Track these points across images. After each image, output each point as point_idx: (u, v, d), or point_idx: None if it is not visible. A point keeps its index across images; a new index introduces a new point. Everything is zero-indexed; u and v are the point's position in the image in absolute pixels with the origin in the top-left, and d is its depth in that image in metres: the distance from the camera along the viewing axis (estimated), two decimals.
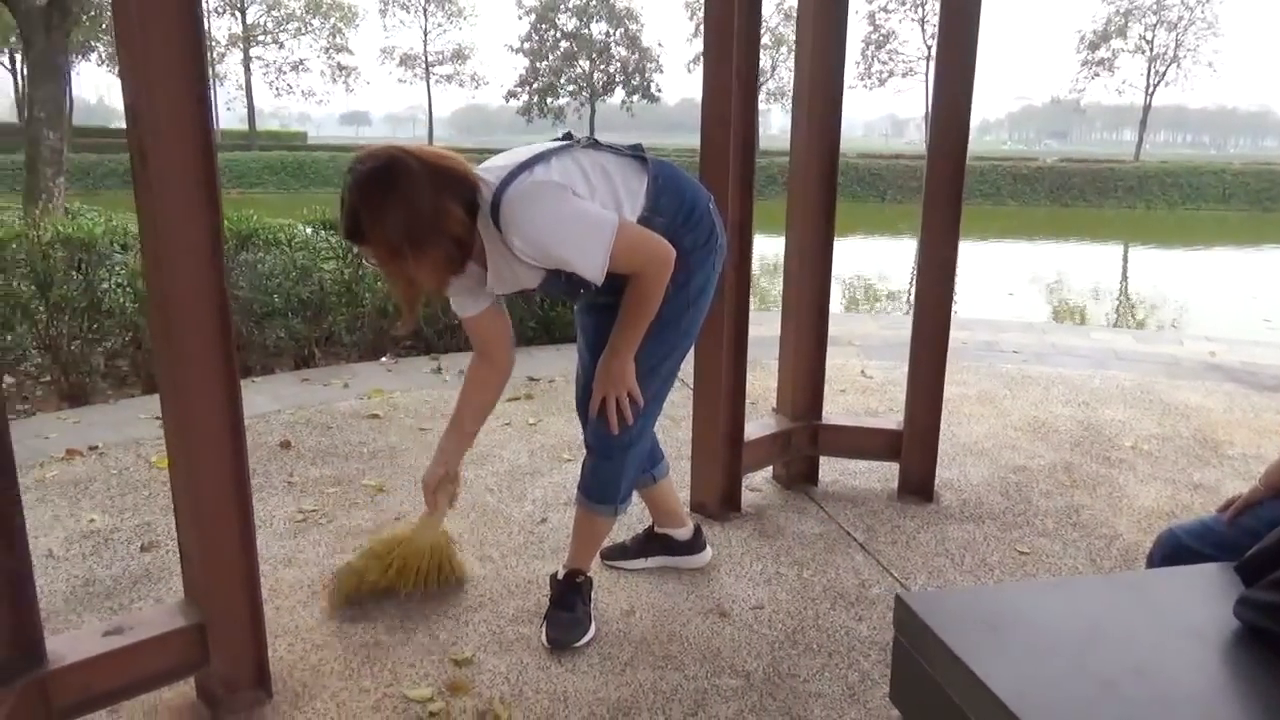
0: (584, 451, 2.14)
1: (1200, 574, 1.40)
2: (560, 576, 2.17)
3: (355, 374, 4.35)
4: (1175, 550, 1.56)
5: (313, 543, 2.58)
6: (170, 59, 1.54)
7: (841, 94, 2.80)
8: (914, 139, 47.53)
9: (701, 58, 2.57)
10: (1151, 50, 40.26)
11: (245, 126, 43.48)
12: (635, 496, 2.26)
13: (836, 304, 10.64)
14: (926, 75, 43.20)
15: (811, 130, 2.80)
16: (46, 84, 8.39)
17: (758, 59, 2.57)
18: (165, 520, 2.66)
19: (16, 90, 35.17)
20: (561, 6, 45.44)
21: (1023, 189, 30.94)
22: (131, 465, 3.14)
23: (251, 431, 3.42)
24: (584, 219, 1.78)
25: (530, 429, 3.55)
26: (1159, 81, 40.44)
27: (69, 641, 1.69)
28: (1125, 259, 18.21)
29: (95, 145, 26.93)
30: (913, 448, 2.88)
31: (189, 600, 1.79)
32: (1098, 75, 42.16)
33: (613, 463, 2.07)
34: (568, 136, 1.94)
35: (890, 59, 44.15)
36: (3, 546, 1.55)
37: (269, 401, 3.85)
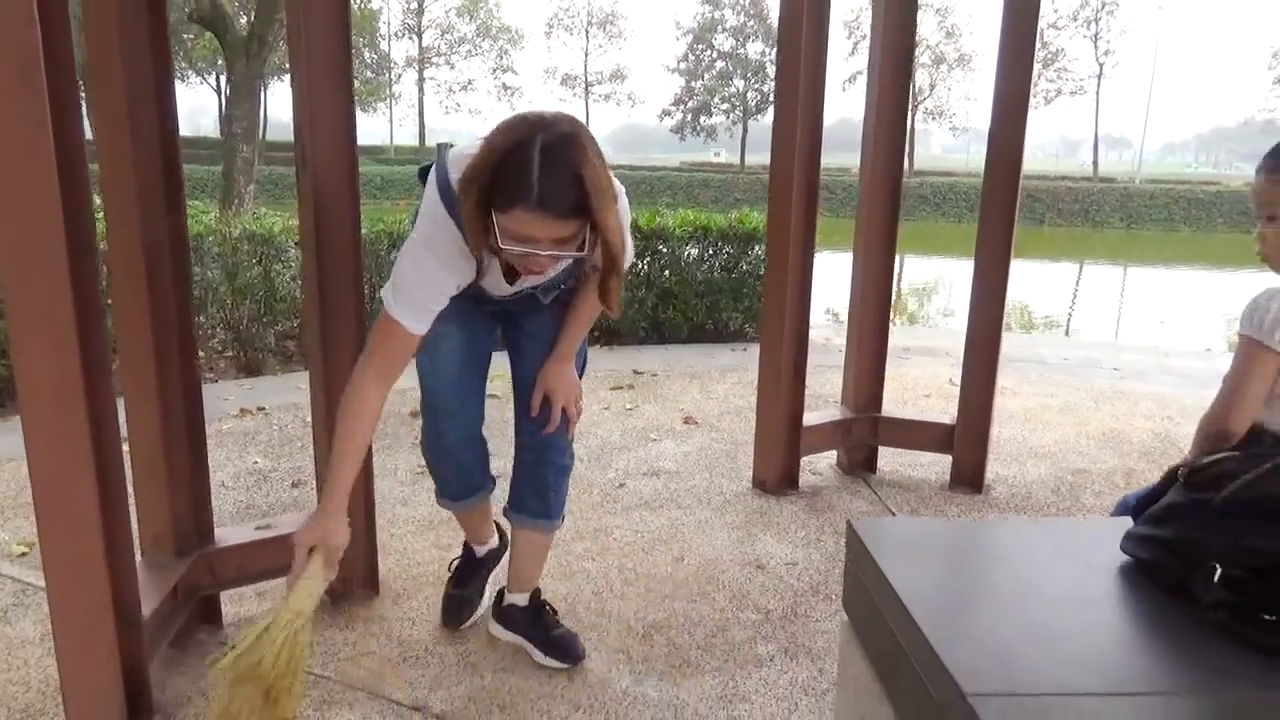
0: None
1: (1116, 523, 1.64)
2: (526, 604, 2.10)
3: None
4: (1122, 511, 1.79)
5: (426, 490, 3.05)
6: (328, 90, 2.03)
7: (904, 129, 3.09)
8: (1086, 160, 45.94)
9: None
10: None
11: (416, 143, 46.29)
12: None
13: (956, 322, 10.63)
14: (1097, 94, 41.35)
15: (877, 155, 3.10)
16: (243, 103, 9.54)
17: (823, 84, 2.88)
18: (313, 465, 3.21)
19: (220, 108, 38.90)
20: (719, 28, 46.12)
21: (1198, 214, 29.16)
22: (290, 423, 3.75)
23: (389, 403, 3.97)
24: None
25: (626, 413, 3.95)
26: None
27: (230, 531, 2.22)
28: None
29: (285, 159, 29.27)
30: (964, 441, 3.11)
31: None
32: None
33: (569, 471, 2.06)
34: None
35: (1059, 77, 42.47)
36: (192, 456, 2.10)
37: (407, 380, 4.38)
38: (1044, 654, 1.24)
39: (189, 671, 2.00)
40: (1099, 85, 41.37)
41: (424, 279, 1.68)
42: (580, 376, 2.03)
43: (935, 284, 15.44)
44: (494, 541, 2.32)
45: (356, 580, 2.32)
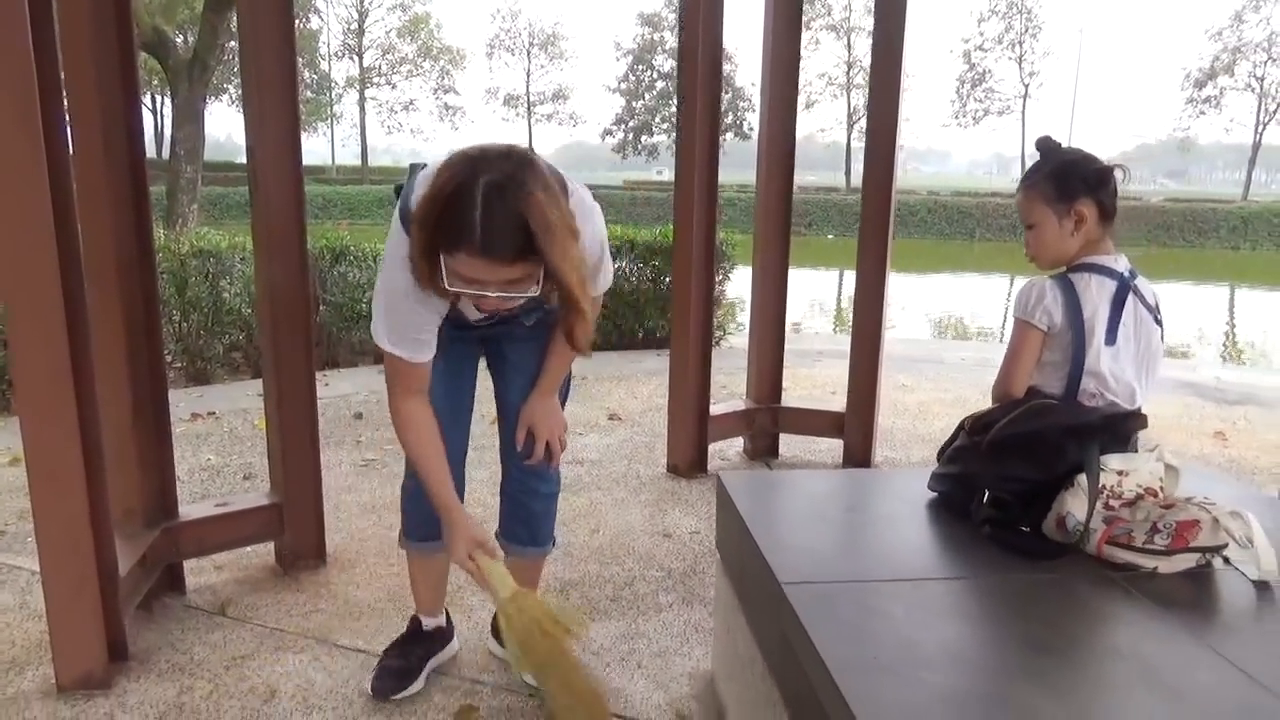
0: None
1: (930, 470, 2.01)
2: None
3: None
4: None
5: (368, 479, 3.36)
6: (277, 117, 2.35)
7: (794, 143, 3.48)
8: (1017, 176, 47.89)
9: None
10: (1262, 88, 39.07)
11: (359, 162, 46.15)
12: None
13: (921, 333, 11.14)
14: (1023, 114, 42.92)
15: (770, 171, 3.49)
16: (187, 125, 9.71)
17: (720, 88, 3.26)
18: (261, 461, 3.48)
19: (155, 129, 38.42)
20: (659, 49, 46.90)
21: (1119, 229, 30.38)
22: (239, 426, 4.01)
23: (334, 406, 4.26)
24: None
25: None
26: (1269, 120, 39.15)
27: (193, 508, 2.50)
28: (1232, 300, 17.77)
29: (222, 179, 28.89)
30: (853, 426, 3.50)
31: (273, 488, 2.58)
32: (1204, 113, 41.12)
33: (555, 498, 2.07)
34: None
35: (987, 97, 44.08)
36: (156, 441, 2.38)
37: (351, 386, 4.70)
38: (849, 556, 1.61)
39: (156, 628, 2.27)
40: (1024, 105, 42.97)
41: (399, 315, 1.69)
42: (564, 405, 2.03)
43: None
44: (443, 620, 2.16)
45: (306, 552, 2.61)
